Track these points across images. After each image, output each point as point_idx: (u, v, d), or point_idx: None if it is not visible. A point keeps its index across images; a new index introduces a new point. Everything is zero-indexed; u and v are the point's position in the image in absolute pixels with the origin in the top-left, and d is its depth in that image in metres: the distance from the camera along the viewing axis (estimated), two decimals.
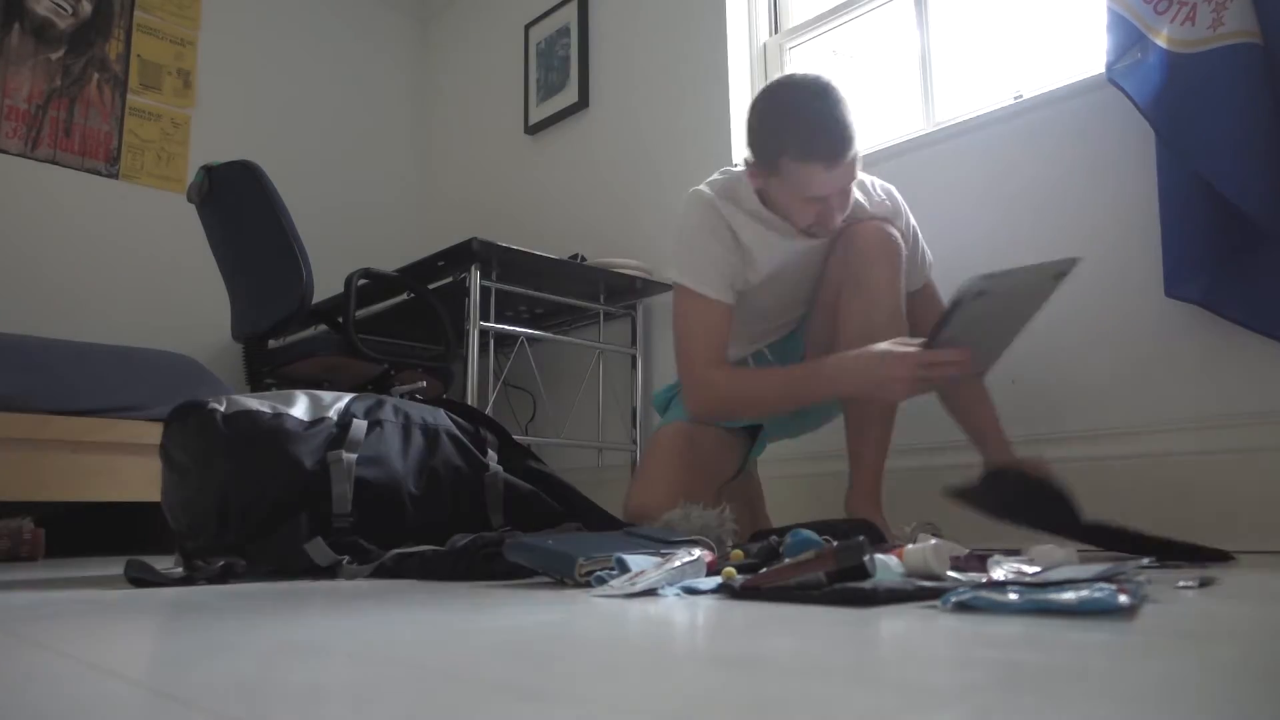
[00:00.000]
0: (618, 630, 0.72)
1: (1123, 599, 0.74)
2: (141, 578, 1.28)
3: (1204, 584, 0.98)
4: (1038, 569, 0.93)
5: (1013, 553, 1.04)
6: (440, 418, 1.68)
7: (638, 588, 1.01)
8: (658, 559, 1.11)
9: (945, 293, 1.69)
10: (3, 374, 2.08)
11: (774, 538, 1.24)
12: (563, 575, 1.15)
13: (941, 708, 0.41)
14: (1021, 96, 2.17)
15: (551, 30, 3.51)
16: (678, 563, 1.07)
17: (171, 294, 3.36)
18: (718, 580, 1.04)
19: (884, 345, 1.50)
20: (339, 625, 0.79)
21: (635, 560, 1.10)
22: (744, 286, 1.74)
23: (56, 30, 3.23)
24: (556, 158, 3.46)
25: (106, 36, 3.33)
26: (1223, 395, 1.78)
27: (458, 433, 1.67)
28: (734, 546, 1.32)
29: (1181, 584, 0.98)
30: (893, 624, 0.73)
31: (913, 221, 1.81)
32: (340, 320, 2.48)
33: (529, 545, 1.22)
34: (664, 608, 0.88)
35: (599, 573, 1.11)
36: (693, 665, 0.56)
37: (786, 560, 0.99)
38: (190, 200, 2.64)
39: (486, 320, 2.57)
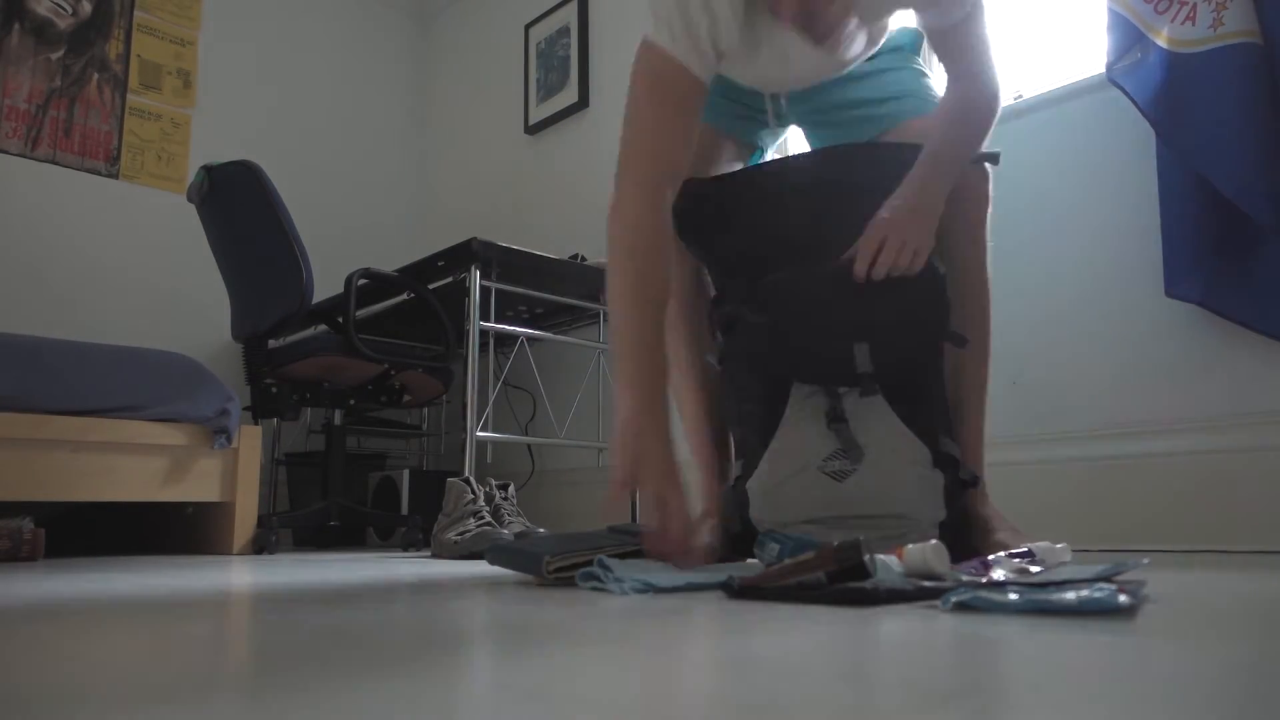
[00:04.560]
0: (617, 630, 0.72)
1: (1123, 599, 0.74)
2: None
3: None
4: (1039, 569, 0.93)
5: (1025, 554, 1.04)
6: None
7: (637, 587, 1.01)
8: (657, 560, 1.11)
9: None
10: (3, 374, 2.08)
11: None
12: (533, 574, 1.16)
13: (941, 708, 0.41)
14: (1022, 96, 2.17)
15: (551, 30, 3.51)
16: None
17: (171, 294, 3.36)
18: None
19: None
20: (338, 624, 0.79)
21: (629, 561, 1.10)
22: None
23: (56, 30, 3.23)
24: (556, 158, 3.46)
25: (106, 36, 3.33)
26: (1223, 395, 1.78)
27: None
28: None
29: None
30: (893, 624, 0.72)
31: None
32: (340, 320, 2.48)
33: (503, 548, 1.26)
34: (664, 607, 0.88)
35: (598, 573, 1.11)
36: (693, 665, 0.55)
37: (786, 560, 0.99)
38: (190, 200, 2.65)
39: (486, 320, 2.57)
